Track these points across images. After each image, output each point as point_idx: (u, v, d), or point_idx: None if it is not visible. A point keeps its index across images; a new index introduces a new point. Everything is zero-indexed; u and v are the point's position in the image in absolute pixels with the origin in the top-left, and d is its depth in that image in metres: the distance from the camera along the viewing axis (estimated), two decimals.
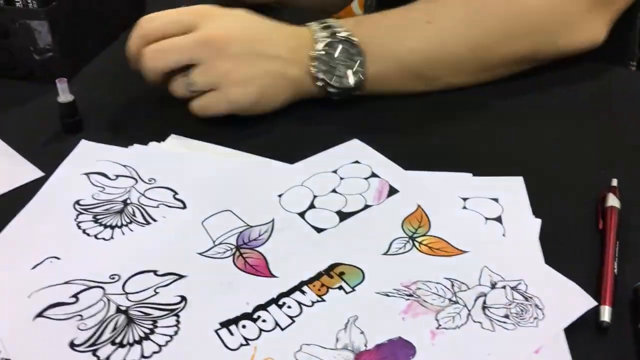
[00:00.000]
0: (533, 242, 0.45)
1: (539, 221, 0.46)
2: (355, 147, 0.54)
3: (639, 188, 0.49)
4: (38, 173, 0.51)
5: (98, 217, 0.46)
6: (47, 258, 0.43)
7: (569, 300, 0.40)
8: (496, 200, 0.48)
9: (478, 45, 0.58)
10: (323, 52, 0.54)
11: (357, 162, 0.52)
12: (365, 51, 0.55)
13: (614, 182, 0.49)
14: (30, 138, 0.55)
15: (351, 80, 0.55)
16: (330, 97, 0.57)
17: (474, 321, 0.39)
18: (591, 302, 0.40)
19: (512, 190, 0.49)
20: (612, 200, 0.47)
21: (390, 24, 0.57)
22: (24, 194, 0.48)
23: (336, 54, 0.54)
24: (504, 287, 0.41)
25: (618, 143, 0.55)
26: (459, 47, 0.57)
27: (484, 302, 0.40)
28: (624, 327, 0.39)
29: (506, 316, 0.39)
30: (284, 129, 0.57)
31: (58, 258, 0.43)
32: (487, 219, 0.47)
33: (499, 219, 0.47)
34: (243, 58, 0.51)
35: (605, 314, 0.39)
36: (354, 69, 0.55)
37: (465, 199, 0.48)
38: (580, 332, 0.38)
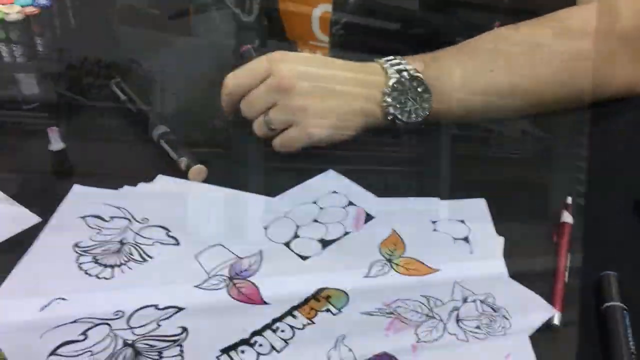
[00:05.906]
0: (498, 258, 0.49)
1: (502, 239, 0.51)
2: (331, 178, 0.59)
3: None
4: (36, 219, 0.53)
5: (97, 257, 0.49)
6: (54, 299, 0.46)
7: (532, 309, 0.45)
8: (462, 221, 0.53)
9: (532, 94, 0.64)
10: (395, 88, 0.59)
11: (334, 192, 0.57)
12: (432, 91, 0.61)
13: (569, 200, 0.54)
14: (24, 185, 0.57)
15: (419, 116, 0.61)
16: (396, 127, 0.61)
17: (450, 333, 0.44)
18: (551, 311, 0.44)
19: (476, 212, 0.54)
20: (566, 217, 0.52)
21: (457, 69, 0.62)
22: (24, 240, 0.51)
23: (407, 91, 0.60)
24: (474, 300, 0.46)
25: (574, 166, 0.61)
26: (514, 94, 0.63)
27: (458, 316, 0.45)
28: (574, 327, 0.45)
29: (478, 327, 0.44)
30: (261, 163, 0.61)
31: (64, 299, 0.46)
32: (455, 239, 0.51)
33: (466, 239, 0.51)
34: (315, 95, 0.56)
35: (556, 318, 0.44)
36: (423, 106, 0.61)
37: (434, 222, 0.53)
38: (538, 334, 0.44)
